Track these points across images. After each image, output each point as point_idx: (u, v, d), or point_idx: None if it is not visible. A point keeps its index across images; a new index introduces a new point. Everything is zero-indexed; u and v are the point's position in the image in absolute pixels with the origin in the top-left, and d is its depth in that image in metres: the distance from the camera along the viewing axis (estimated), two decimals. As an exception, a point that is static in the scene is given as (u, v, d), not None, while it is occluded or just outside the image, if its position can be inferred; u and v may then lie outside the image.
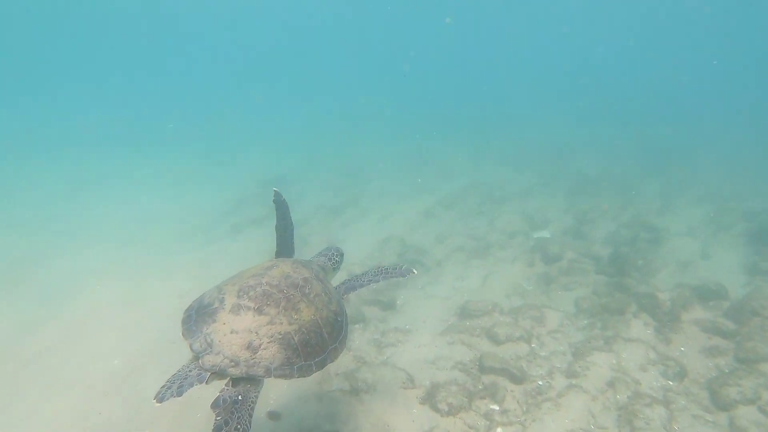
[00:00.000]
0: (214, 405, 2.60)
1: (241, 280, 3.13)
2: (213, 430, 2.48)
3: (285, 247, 3.98)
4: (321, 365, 2.94)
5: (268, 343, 2.77)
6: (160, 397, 2.49)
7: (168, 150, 18.17)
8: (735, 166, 13.56)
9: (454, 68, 47.24)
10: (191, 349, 2.76)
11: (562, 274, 6.72)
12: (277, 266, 3.28)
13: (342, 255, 4.10)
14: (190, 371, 2.70)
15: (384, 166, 14.41)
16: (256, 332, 2.78)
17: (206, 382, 2.62)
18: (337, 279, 3.89)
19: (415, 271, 3.75)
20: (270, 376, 2.72)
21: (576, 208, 9.68)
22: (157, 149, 18.44)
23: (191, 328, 2.90)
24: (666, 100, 27.28)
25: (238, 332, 2.76)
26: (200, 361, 2.69)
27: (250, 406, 2.70)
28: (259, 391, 2.84)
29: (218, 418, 2.54)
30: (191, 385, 2.59)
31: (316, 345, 2.94)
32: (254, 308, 2.87)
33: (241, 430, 2.53)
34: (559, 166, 13.80)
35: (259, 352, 2.73)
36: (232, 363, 2.67)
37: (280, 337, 2.81)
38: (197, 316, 2.97)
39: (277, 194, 3.91)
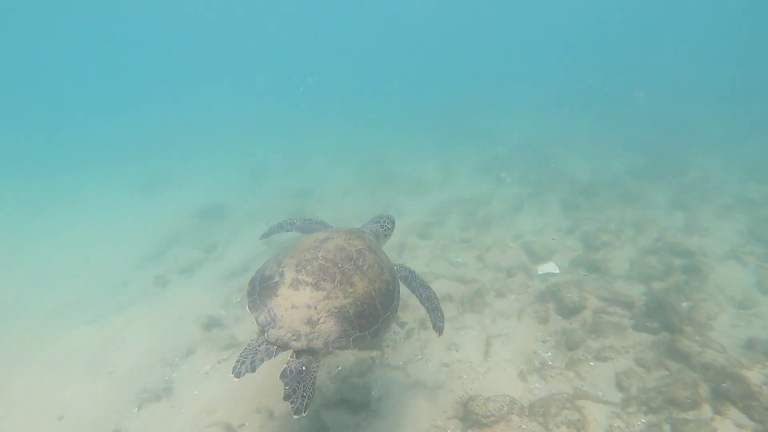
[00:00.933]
0: (283, 375, 2.83)
1: (298, 253, 3.28)
2: (284, 397, 2.72)
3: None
4: (375, 335, 3.08)
5: (326, 317, 2.94)
6: (237, 372, 2.79)
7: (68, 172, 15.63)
8: (745, 159, 12.35)
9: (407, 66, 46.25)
10: (257, 322, 2.98)
11: (588, 333, 4.99)
12: (331, 238, 3.40)
13: (393, 222, 4.38)
14: (258, 346, 2.94)
15: (340, 183, 12.46)
16: (315, 307, 2.96)
17: (275, 356, 2.87)
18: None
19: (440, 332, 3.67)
20: (328, 349, 2.90)
21: (580, 228, 7.99)
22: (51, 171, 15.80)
23: (256, 301, 3.10)
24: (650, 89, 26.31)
25: (298, 307, 2.96)
26: (265, 334, 2.92)
27: (313, 374, 2.90)
28: (320, 361, 3.11)
29: (287, 387, 2.77)
30: (262, 360, 2.85)
31: (369, 316, 3.08)
32: (312, 283, 3.04)
33: (306, 396, 2.77)
34: (545, 170, 12.18)
35: (318, 326, 2.91)
36: (294, 337, 2.88)
37: (336, 310, 2.97)
38: (260, 289, 3.17)
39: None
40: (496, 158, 13.91)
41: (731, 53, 38.44)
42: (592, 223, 8.13)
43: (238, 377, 2.80)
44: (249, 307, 3.10)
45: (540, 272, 6.43)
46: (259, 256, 7.81)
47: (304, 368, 2.87)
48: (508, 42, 47.63)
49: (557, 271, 6.40)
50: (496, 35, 48.51)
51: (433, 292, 3.87)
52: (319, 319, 2.91)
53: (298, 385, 2.79)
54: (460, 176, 12.51)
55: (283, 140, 19.03)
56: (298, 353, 2.94)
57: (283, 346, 2.88)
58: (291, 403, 2.71)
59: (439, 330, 3.68)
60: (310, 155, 16.06)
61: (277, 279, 3.13)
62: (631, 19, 43.58)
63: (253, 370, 2.81)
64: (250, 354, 2.91)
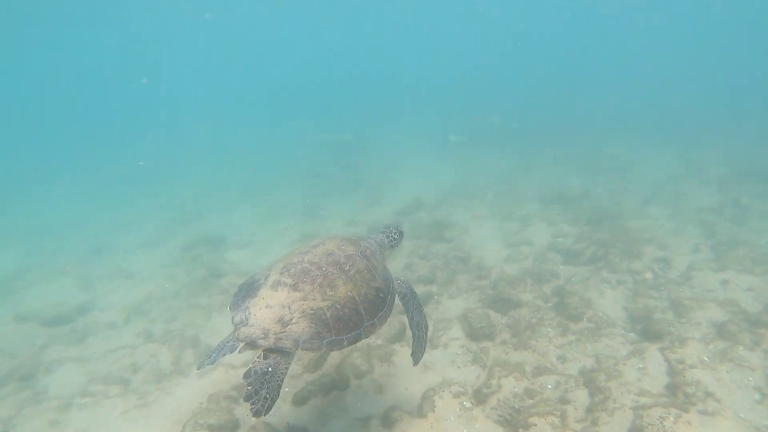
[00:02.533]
0: (246, 375, 2.79)
1: (288, 258, 3.34)
2: (244, 398, 2.72)
3: None
4: (354, 340, 3.01)
5: (300, 317, 2.91)
6: (199, 365, 3.04)
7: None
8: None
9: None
10: (232, 321, 3.04)
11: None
12: (323, 244, 3.45)
13: (401, 234, 4.32)
14: (227, 342, 3.05)
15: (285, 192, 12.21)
16: (289, 307, 2.94)
17: (239, 351, 2.93)
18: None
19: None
20: (298, 349, 2.87)
21: (592, 260, 7.56)
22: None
23: (237, 302, 3.17)
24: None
25: (272, 307, 2.97)
26: (236, 332, 2.96)
27: (279, 377, 2.86)
28: (289, 364, 3.01)
29: (249, 388, 2.74)
30: (224, 354, 2.96)
31: (349, 320, 3.01)
32: (290, 285, 3.05)
33: (270, 399, 2.74)
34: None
35: (290, 326, 2.88)
36: (262, 335, 2.87)
37: (311, 312, 2.93)
38: (246, 291, 3.23)
39: None
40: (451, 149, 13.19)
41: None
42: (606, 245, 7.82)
43: (199, 369, 3.07)
44: (230, 307, 3.16)
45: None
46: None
47: (270, 369, 2.83)
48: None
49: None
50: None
51: (426, 321, 3.84)
52: (291, 320, 2.89)
53: (261, 386, 2.75)
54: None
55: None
56: (267, 354, 2.92)
57: (251, 344, 2.89)
58: (251, 405, 2.70)
59: (416, 360, 3.71)
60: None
61: (261, 281, 3.19)
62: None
63: (212, 363, 2.96)
64: (216, 349, 3.04)
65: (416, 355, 3.70)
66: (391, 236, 4.22)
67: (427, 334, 3.78)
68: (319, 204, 12.87)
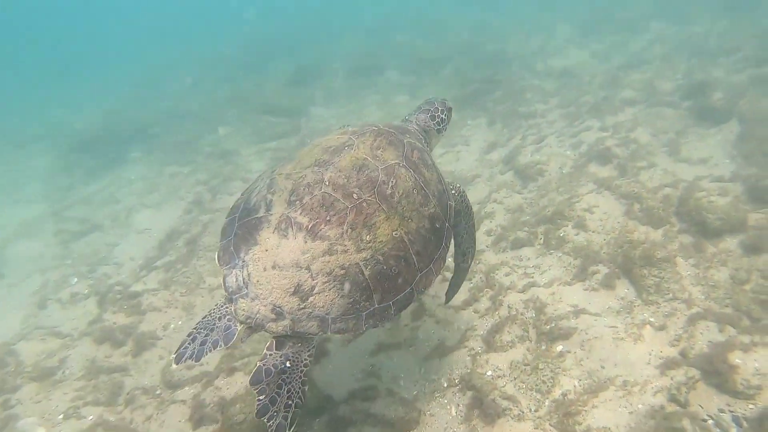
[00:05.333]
0: (255, 380, 1.93)
1: (298, 170, 2.30)
2: (257, 413, 1.86)
3: None
4: (404, 305, 2.13)
5: (325, 282, 2.00)
6: (178, 357, 2.03)
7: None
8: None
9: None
10: (224, 285, 2.07)
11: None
12: (350, 146, 2.35)
13: (450, 110, 3.20)
14: (218, 319, 2.09)
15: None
16: (308, 267, 2.01)
17: (241, 341, 2.06)
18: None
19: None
20: (326, 333, 1.99)
21: None
22: None
23: (229, 248, 2.17)
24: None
25: (282, 267, 2.01)
26: (232, 306, 2.03)
27: (301, 372, 2.02)
28: (312, 352, 2.13)
29: (261, 398, 1.90)
30: (215, 346, 2.01)
31: (397, 276, 2.12)
32: (306, 227, 2.07)
33: (293, 406, 1.93)
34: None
35: (312, 298, 1.99)
36: (273, 315, 1.99)
37: (342, 272, 2.02)
38: (239, 225, 2.23)
39: None
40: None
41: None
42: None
43: (177, 363, 2.05)
44: (218, 257, 2.20)
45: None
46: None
47: (288, 365, 2.00)
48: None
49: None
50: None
51: (474, 248, 2.93)
52: (313, 288, 2.01)
53: (278, 392, 1.93)
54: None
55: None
56: (280, 341, 2.07)
57: (256, 329, 2.06)
58: (268, 421, 1.89)
59: (449, 298, 3.12)
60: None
61: (261, 213, 2.21)
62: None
63: (198, 359, 2.04)
64: (203, 330, 2.10)
65: (453, 291, 3.01)
66: (438, 116, 3.09)
67: (467, 272, 2.93)
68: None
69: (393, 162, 2.34)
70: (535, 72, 9.84)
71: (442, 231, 2.38)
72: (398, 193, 2.25)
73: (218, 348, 2.03)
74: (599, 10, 13.10)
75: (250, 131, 10.38)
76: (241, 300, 2.03)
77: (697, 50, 8.39)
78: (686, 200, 4.31)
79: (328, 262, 2.04)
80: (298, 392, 2.00)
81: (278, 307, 2.01)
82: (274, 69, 15.04)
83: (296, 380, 2.02)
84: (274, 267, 2.04)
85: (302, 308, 2.01)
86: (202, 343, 2.05)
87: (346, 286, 2.04)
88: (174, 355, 2.03)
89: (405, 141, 2.54)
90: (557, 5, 14.96)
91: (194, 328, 2.12)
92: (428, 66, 11.78)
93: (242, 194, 2.49)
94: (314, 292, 2.02)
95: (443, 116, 3.13)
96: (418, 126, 3.04)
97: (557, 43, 11.74)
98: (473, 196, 5.61)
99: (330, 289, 2.03)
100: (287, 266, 2.03)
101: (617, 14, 12.39)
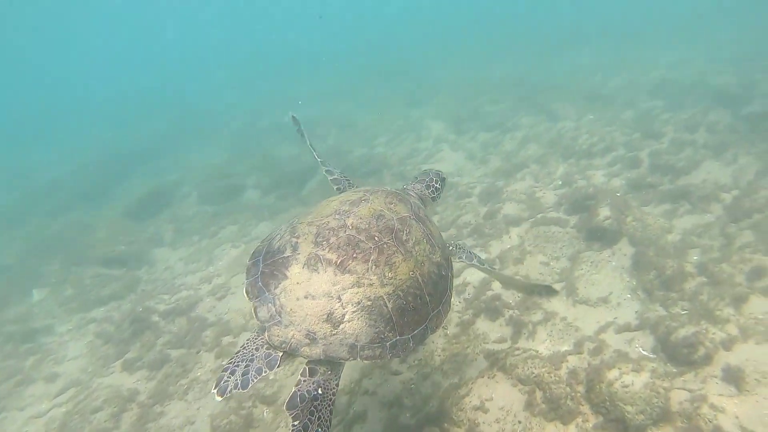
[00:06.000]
0: (291, 405, 2.07)
1: (320, 219, 2.55)
2: None
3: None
4: (420, 340, 2.32)
5: (354, 312, 2.20)
6: (222, 389, 2.07)
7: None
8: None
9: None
10: (256, 315, 2.26)
11: None
12: (366, 200, 2.65)
13: (443, 180, 3.54)
14: (256, 350, 2.22)
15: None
16: (339, 297, 2.22)
17: (278, 366, 2.17)
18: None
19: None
20: (356, 359, 2.15)
21: None
22: None
23: (257, 283, 2.36)
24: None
25: (315, 297, 2.22)
26: (266, 333, 2.21)
27: (330, 399, 2.19)
28: (339, 380, 2.30)
29: (296, 423, 2.02)
30: (260, 372, 2.14)
31: (414, 312, 2.32)
32: (336, 263, 2.29)
33: (323, 430, 2.05)
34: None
35: (343, 325, 2.19)
36: (308, 340, 2.16)
37: (369, 303, 2.23)
38: (264, 266, 2.43)
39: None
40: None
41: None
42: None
43: (222, 396, 2.04)
44: (247, 291, 2.34)
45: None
46: None
47: (320, 391, 2.13)
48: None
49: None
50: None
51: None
52: (344, 316, 2.17)
53: (311, 419, 2.02)
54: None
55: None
56: (313, 367, 2.20)
57: (291, 353, 2.17)
58: None
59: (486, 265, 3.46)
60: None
61: (288, 253, 2.37)
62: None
63: (245, 387, 2.08)
64: (243, 361, 2.15)
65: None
66: (432, 185, 3.45)
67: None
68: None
69: (405, 214, 2.63)
70: (407, 181, 8.97)
71: (447, 278, 2.64)
72: (412, 239, 2.50)
73: (262, 375, 2.11)
74: (468, 103, 12.80)
75: (72, 293, 8.15)
76: (275, 327, 2.19)
77: (569, 150, 8.21)
78: (595, 385, 3.31)
79: (357, 293, 2.22)
80: (327, 420, 2.09)
81: (312, 332, 2.16)
82: (121, 193, 12.86)
83: (326, 408, 2.12)
84: (306, 297, 2.21)
85: (334, 334, 2.16)
86: (244, 373, 2.11)
87: (374, 316, 2.20)
88: (215, 390, 2.04)
89: (411, 201, 2.90)
90: (423, 100, 14.72)
91: (230, 362, 2.17)
92: (292, 179, 10.46)
93: (262, 242, 2.67)
94: (345, 320, 2.19)
95: (437, 185, 3.46)
96: (414, 194, 3.35)
97: (428, 144, 11.01)
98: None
99: (358, 318, 2.19)
100: (319, 296, 2.21)
101: (486, 108, 12.13)
